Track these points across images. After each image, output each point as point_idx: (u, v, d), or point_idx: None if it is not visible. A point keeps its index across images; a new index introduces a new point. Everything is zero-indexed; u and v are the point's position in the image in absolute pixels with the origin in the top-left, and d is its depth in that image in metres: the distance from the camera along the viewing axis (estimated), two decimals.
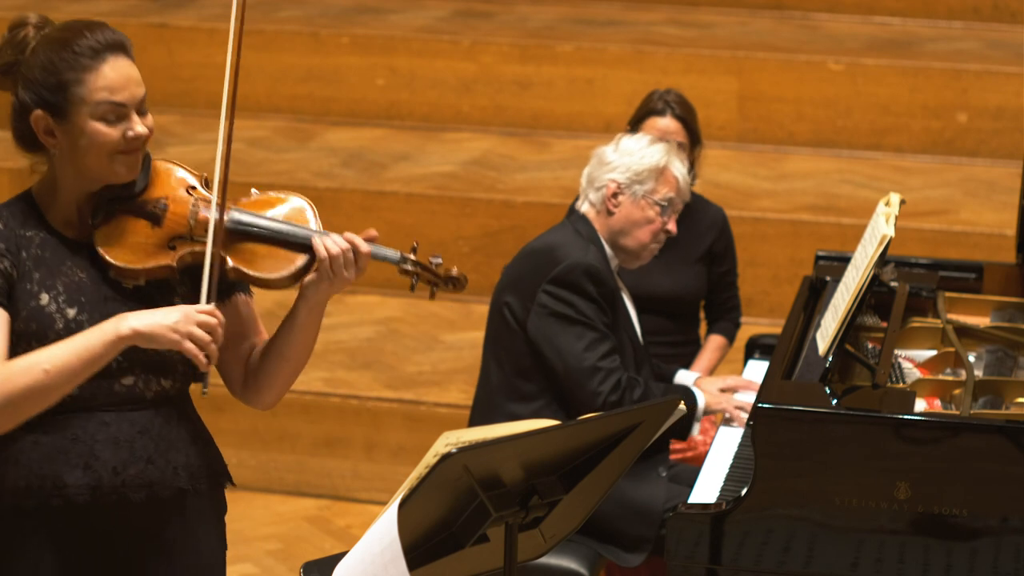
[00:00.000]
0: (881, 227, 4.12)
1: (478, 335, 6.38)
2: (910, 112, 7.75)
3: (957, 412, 3.88)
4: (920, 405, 3.98)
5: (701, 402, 4.57)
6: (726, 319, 5.30)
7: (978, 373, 4.15)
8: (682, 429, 4.52)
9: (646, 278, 4.91)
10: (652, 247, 4.58)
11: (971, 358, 4.23)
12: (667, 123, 5.11)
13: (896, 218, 4.19)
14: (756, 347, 5.13)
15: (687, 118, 5.14)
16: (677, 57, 7.97)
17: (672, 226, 4.58)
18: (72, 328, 3.01)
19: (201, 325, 2.97)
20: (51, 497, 3.03)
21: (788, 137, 7.85)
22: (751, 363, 5.06)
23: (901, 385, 4.06)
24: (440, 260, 3.19)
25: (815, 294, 4.73)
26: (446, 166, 7.56)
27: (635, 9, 9.08)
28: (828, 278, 4.74)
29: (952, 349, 4.28)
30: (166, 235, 3.08)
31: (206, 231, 3.07)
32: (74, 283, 3.06)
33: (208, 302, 3.01)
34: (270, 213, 3.15)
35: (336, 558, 2.87)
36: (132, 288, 3.08)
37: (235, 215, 3.12)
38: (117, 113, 3.01)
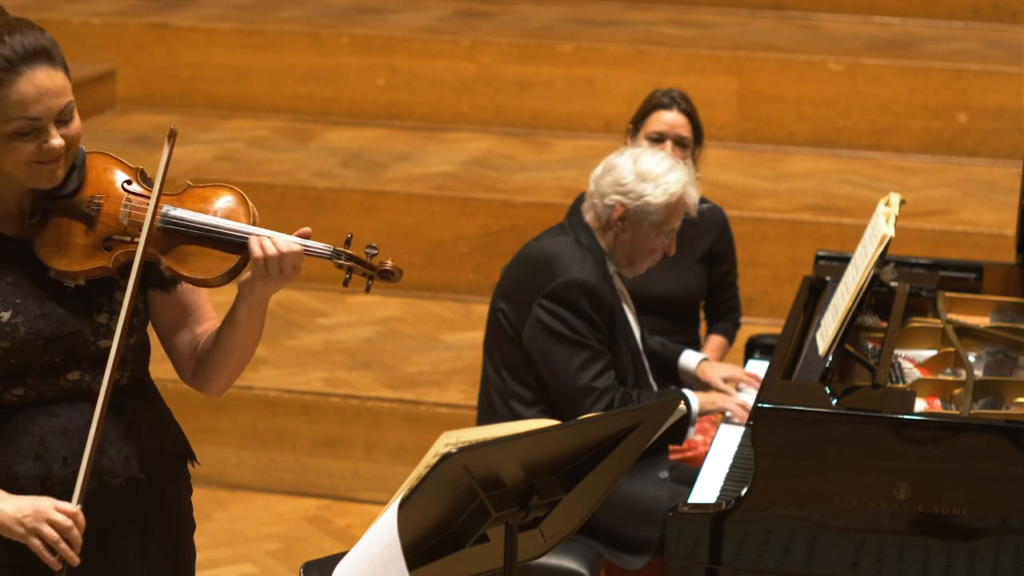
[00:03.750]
0: (881, 227, 4.12)
1: (478, 335, 6.37)
2: (910, 112, 7.75)
3: (957, 412, 3.88)
4: (920, 405, 3.98)
5: (695, 405, 4.55)
6: (726, 319, 5.30)
7: (978, 373, 4.15)
8: (678, 433, 4.51)
9: (646, 279, 4.90)
10: (648, 265, 4.56)
11: (971, 358, 4.23)
12: (674, 117, 5.09)
13: (896, 218, 4.18)
14: (756, 347, 5.13)
15: (693, 113, 5.13)
16: (677, 57, 7.97)
17: (672, 249, 4.55)
18: (7, 332, 2.98)
19: (54, 523, 2.91)
20: (5, 487, 3.00)
21: (788, 137, 7.85)
22: (751, 363, 5.06)
23: (901, 385, 4.06)
24: (376, 251, 3.10)
25: (815, 294, 4.73)
26: (446, 166, 7.56)
27: (635, 9, 9.08)
28: (828, 278, 4.74)
29: (952, 349, 4.28)
30: (100, 236, 3.04)
31: (139, 230, 3.01)
32: (10, 284, 3.02)
33: (77, 502, 2.94)
34: (205, 208, 3.08)
35: (336, 558, 2.87)
36: (73, 287, 3.05)
37: (169, 212, 3.05)
38: (32, 127, 2.93)
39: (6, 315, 2.99)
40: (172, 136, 3.08)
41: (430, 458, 2.78)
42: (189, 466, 3.27)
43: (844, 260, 4.68)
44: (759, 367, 4.92)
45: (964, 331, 4.39)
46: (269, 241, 3.01)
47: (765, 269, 6.84)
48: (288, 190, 7.17)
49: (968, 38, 8.47)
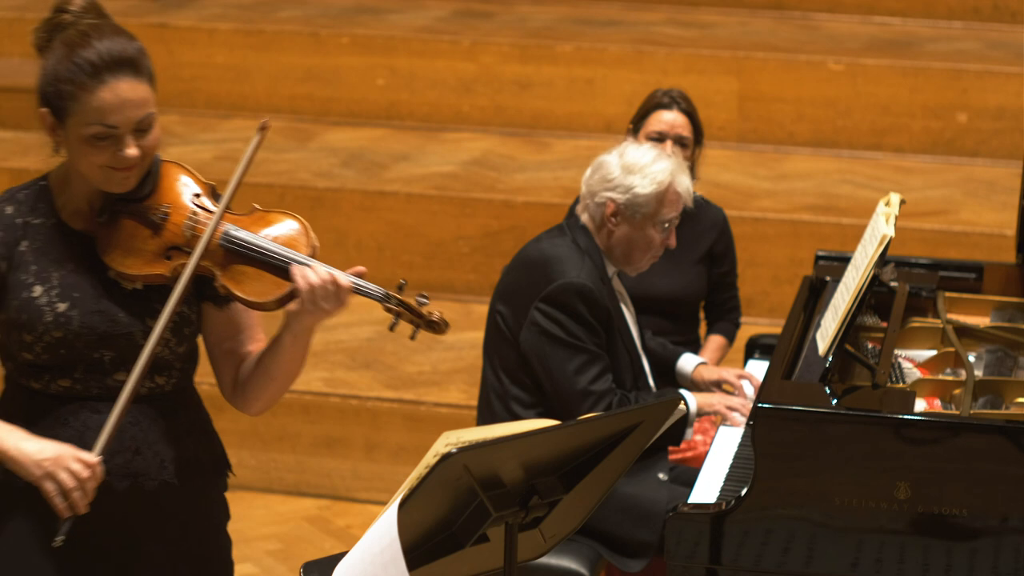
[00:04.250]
0: (881, 227, 4.12)
1: (478, 335, 6.37)
2: (910, 112, 7.75)
3: (957, 412, 3.88)
4: (920, 405, 3.98)
5: (693, 406, 4.54)
6: (726, 319, 5.30)
7: (978, 373, 4.15)
8: (675, 434, 4.50)
9: (646, 279, 4.90)
10: (650, 261, 4.55)
11: (971, 358, 4.23)
12: (674, 116, 5.09)
13: (896, 218, 4.18)
14: (756, 347, 5.13)
15: (693, 113, 5.13)
16: (677, 57, 7.97)
17: (672, 240, 4.52)
18: (61, 322, 3.02)
19: (71, 472, 2.93)
20: None
21: (788, 137, 7.85)
22: (751, 363, 5.06)
23: (901, 385, 4.06)
24: (427, 300, 3.16)
25: (815, 294, 4.73)
26: (446, 166, 7.56)
27: (635, 9, 9.08)
28: (828, 278, 4.74)
29: (952, 349, 4.28)
30: (164, 244, 3.09)
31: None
32: (71, 278, 3.06)
33: (98, 452, 2.97)
34: (265, 233, 3.12)
35: (336, 558, 2.87)
36: (130, 289, 3.09)
37: (231, 231, 3.09)
38: (109, 134, 2.97)
39: (62, 306, 3.04)
40: (263, 129, 3.12)
41: (430, 458, 2.78)
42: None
43: (844, 260, 4.68)
44: (759, 367, 4.92)
45: (964, 331, 4.39)
46: (313, 272, 3.03)
47: (765, 269, 6.84)
48: (288, 190, 7.17)
49: (968, 38, 8.47)
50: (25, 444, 2.95)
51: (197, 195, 3.14)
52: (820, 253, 4.97)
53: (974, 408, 3.90)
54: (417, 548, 2.82)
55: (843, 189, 7.29)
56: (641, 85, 6.98)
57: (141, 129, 3.00)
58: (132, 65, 3.00)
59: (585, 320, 4.38)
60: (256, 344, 3.22)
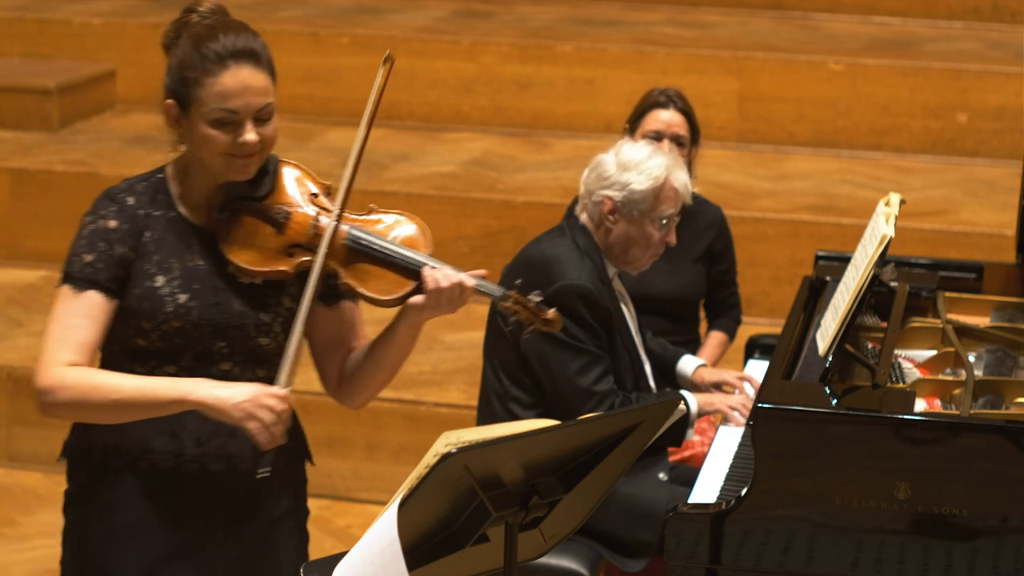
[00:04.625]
0: (881, 227, 4.12)
1: (478, 335, 6.37)
2: (910, 112, 7.76)
3: (957, 412, 3.88)
4: (920, 405, 3.98)
5: (693, 406, 4.54)
6: (727, 316, 5.30)
7: (978, 373, 4.15)
8: (676, 435, 4.50)
9: (645, 279, 4.90)
10: (651, 259, 4.54)
11: (971, 358, 4.23)
12: (670, 115, 5.10)
13: (896, 218, 4.18)
14: (756, 347, 5.13)
15: (689, 112, 5.13)
16: (677, 57, 7.97)
17: (672, 237, 4.51)
18: (181, 313, 3.13)
19: (268, 407, 3.05)
20: (137, 459, 3.17)
21: (788, 137, 7.85)
22: (751, 363, 5.06)
23: (901, 385, 4.06)
24: (540, 298, 3.28)
25: (815, 294, 4.73)
26: (446, 166, 7.57)
27: (635, 9, 9.08)
28: (828, 278, 4.74)
29: (952, 349, 4.28)
30: (286, 242, 3.19)
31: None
32: (191, 269, 3.16)
33: (284, 386, 3.10)
34: (387, 233, 3.25)
35: (336, 558, 2.87)
36: (247, 284, 3.20)
37: (354, 233, 3.21)
38: (229, 119, 3.11)
39: (183, 297, 3.14)
40: (389, 61, 3.23)
41: (430, 458, 2.78)
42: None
43: (844, 260, 4.68)
44: (759, 367, 4.92)
45: (964, 331, 4.39)
46: (443, 276, 3.19)
47: (765, 269, 6.84)
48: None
49: (968, 38, 8.48)
50: (220, 391, 3.05)
51: (315, 195, 3.25)
52: (820, 253, 4.97)
53: (974, 408, 3.90)
54: (417, 548, 2.82)
55: (843, 189, 7.29)
56: (641, 85, 6.97)
57: (261, 118, 3.16)
58: (255, 55, 3.16)
59: (586, 322, 4.38)
60: (360, 340, 3.35)
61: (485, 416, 4.58)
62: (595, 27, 8.59)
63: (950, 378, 4.12)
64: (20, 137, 7.84)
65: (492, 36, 8.32)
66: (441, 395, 6.10)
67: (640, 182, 4.43)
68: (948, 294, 4.66)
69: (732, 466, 4.26)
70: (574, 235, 4.49)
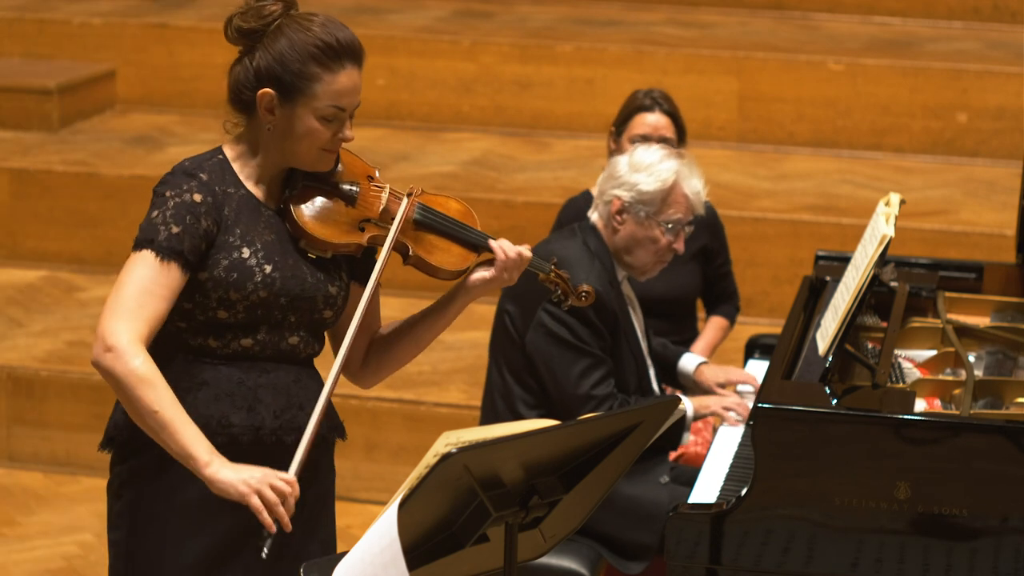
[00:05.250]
0: (881, 227, 4.12)
1: (478, 335, 6.38)
2: (910, 112, 7.75)
3: (957, 412, 3.88)
4: (920, 405, 3.98)
5: (690, 410, 4.54)
6: (727, 303, 5.28)
7: (978, 373, 4.15)
8: (673, 437, 4.50)
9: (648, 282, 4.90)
10: (657, 265, 4.54)
11: (971, 358, 4.23)
12: (656, 119, 5.10)
13: (896, 218, 4.18)
14: (756, 347, 5.12)
15: (675, 113, 5.14)
16: (677, 57, 7.97)
17: (680, 245, 4.51)
18: (268, 283, 3.22)
19: (274, 489, 3.08)
20: (216, 435, 3.19)
21: (788, 137, 7.85)
22: (751, 363, 5.06)
23: (901, 385, 4.06)
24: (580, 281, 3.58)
25: (815, 294, 4.73)
26: (446, 166, 7.57)
27: (635, 9, 9.08)
28: (828, 278, 4.74)
29: (952, 349, 4.28)
30: (359, 216, 3.31)
31: (392, 218, 3.30)
32: (268, 243, 3.25)
33: (294, 474, 3.13)
34: (445, 211, 3.39)
35: (336, 558, 2.87)
36: (316, 258, 3.29)
37: (422, 207, 3.36)
38: (335, 116, 3.23)
39: (268, 268, 3.23)
40: (412, 195, 3.41)
41: (430, 458, 2.78)
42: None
43: (844, 260, 4.68)
44: (759, 367, 4.92)
45: (964, 331, 4.39)
46: (507, 245, 3.36)
47: (765, 269, 6.84)
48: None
49: (968, 38, 8.47)
50: (228, 471, 3.08)
51: (370, 177, 3.37)
52: (820, 253, 4.97)
53: (974, 408, 3.90)
54: (417, 548, 2.82)
55: (843, 189, 7.29)
56: (641, 85, 6.96)
57: (352, 116, 3.28)
58: (361, 56, 3.28)
59: (592, 324, 4.38)
60: (378, 328, 3.49)
61: (488, 415, 4.58)
62: (595, 27, 8.59)
63: (950, 378, 4.12)
64: (20, 137, 7.83)
65: (492, 36, 8.32)
66: (441, 395, 6.10)
67: (649, 183, 4.44)
68: (948, 294, 4.66)
69: (732, 466, 4.26)
70: (585, 236, 4.49)
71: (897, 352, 4.29)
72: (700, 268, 5.19)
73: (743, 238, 6.21)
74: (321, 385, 3.33)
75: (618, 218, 4.46)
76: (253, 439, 3.25)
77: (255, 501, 3.06)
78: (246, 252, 3.22)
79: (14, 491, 6.02)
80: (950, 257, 5.49)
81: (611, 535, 4.42)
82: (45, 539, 5.60)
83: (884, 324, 4.45)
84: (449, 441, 2.78)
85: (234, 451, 3.18)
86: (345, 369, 3.38)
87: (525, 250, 3.39)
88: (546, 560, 3.56)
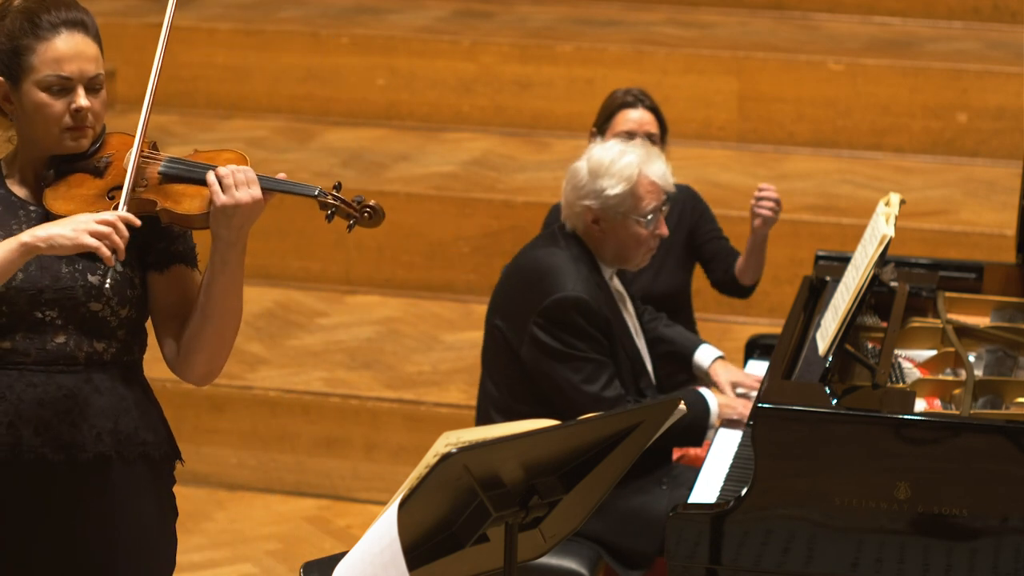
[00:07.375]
0: (881, 227, 4.12)
1: (478, 335, 6.36)
2: (910, 112, 7.75)
3: (957, 412, 3.88)
4: (920, 405, 3.98)
5: (714, 408, 4.49)
6: (736, 252, 5.24)
7: (978, 373, 4.15)
8: (696, 436, 4.47)
9: (635, 282, 4.89)
10: (648, 253, 4.51)
11: (971, 358, 4.23)
12: (640, 114, 5.10)
13: (896, 218, 4.19)
14: (756, 347, 5.12)
15: (656, 109, 5.15)
16: (677, 57, 7.97)
17: (663, 229, 4.46)
18: (14, 282, 3.06)
19: (100, 222, 2.98)
20: None
21: (788, 137, 7.85)
22: (751, 363, 5.05)
23: (901, 385, 4.06)
24: (363, 199, 3.18)
25: (815, 294, 4.73)
26: (446, 166, 7.56)
27: (635, 9, 9.08)
28: (828, 278, 4.74)
29: (952, 349, 4.28)
30: (106, 186, 3.15)
31: (144, 181, 3.13)
32: (12, 235, 3.08)
33: (120, 211, 3.03)
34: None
35: (336, 558, 2.87)
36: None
37: (169, 160, 3.16)
38: (62, 85, 3.10)
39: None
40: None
41: (430, 458, 2.78)
42: (179, 465, 3.29)
43: (844, 260, 4.68)
44: (759, 367, 4.92)
45: (964, 331, 4.39)
46: (225, 167, 3.08)
47: (765, 269, 6.82)
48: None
49: (968, 38, 8.47)
50: (51, 225, 2.98)
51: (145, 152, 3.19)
52: (820, 253, 4.97)
53: (974, 408, 3.90)
54: (417, 548, 2.82)
55: (843, 189, 7.29)
56: (641, 85, 6.97)
57: (92, 88, 3.13)
58: (84, 25, 3.14)
59: (585, 332, 4.34)
60: (189, 307, 3.22)
61: (484, 422, 4.55)
62: (595, 27, 8.59)
63: (950, 378, 4.12)
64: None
65: (492, 36, 8.32)
66: (441, 395, 6.10)
67: (613, 186, 4.37)
68: (948, 294, 4.66)
69: (732, 466, 4.26)
70: (567, 243, 4.45)
71: (897, 352, 4.29)
72: (691, 256, 5.17)
73: (743, 238, 6.18)
74: (140, 388, 3.20)
75: (595, 227, 4.41)
76: (11, 456, 3.08)
77: (89, 241, 2.95)
78: None
79: None
80: (950, 257, 5.49)
81: (610, 543, 4.40)
82: None
83: (884, 324, 4.45)
84: (449, 441, 2.78)
85: None
86: (167, 362, 3.22)
87: (246, 165, 3.12)
88: (546, 560, 3.55)
